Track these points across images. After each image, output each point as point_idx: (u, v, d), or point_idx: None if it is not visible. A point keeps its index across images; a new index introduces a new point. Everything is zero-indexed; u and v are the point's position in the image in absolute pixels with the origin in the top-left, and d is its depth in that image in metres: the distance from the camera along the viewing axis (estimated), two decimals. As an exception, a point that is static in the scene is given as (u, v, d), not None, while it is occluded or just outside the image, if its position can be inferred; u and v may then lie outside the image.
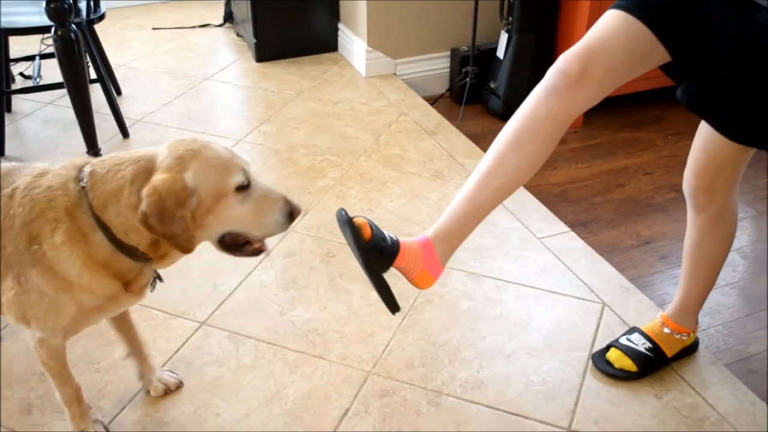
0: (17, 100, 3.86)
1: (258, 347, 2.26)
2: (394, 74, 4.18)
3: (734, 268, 2.78)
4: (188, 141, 1.61)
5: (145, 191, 1.52)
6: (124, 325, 2.05)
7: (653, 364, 2.18)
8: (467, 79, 3.87)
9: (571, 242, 2.80)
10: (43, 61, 3.90)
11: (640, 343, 2.18)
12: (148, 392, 2.14)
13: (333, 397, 2.12)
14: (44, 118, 3.75)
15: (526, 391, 2.14)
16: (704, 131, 1.88)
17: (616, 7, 1.67)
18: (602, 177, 3.39)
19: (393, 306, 1.76)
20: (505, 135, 1.72)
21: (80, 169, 1.63)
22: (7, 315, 1.73)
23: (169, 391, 2.14)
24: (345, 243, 1.78)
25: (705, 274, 2.12)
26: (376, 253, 1.71)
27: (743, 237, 2.98)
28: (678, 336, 2.19)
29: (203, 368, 2.20)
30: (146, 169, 1.57)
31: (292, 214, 1.66)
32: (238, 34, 4.77)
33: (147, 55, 4.54)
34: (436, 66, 4.23)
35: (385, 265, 1.74)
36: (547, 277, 2.60)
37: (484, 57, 3.98)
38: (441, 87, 4.22)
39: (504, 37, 3.86)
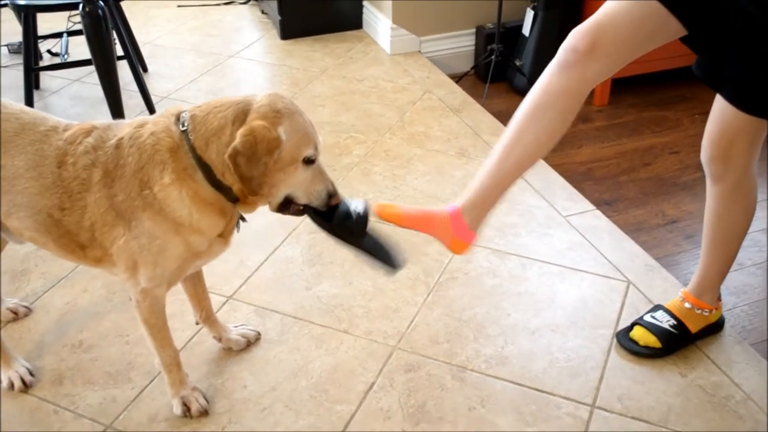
0: (45, 77, 3.89)
1: (284, 322, 2.28)
2: (419, 52, 4.17)
3: (760, 248, 2.77)
4: (286, 100, 1.70)
5: (242, 130, 1.62)
6: (198, 289, 2.11)
7: (678, 341, 2.18)
8: (492, 57, 3.86)
9: (596, 220, 2.80)
10: (70, 39, 3.92)
11: (664, 320, 2.18)
12: (230, 349, 2.20)
13: (358, 372, 2.14)
14: (72, 95, 3.78)
15: (551, 368, 2.16)
16: (719, 101, 1.89)
17: None
18: (628, 156, 3.37)
19: (391, 264, 1.91)
20: (523, 109, 1.81)
21: (178, 116, 1.72)
22: (117, 264, 1.79)
23: (249, 344, 2.22)
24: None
25: (724, 247, 2.12)
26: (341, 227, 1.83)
27: (770, 217, 2.96)
28: (699, 311, 2.18)
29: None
30: (245, 111, 1.66)
31: (332, 197, 1.76)
32: (262, 12, 4.77)
33: (172, 33, 4.56)
34: (461, 43, 4.22)
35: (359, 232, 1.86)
36: (572, 255, 2.60)
37: (510, 34, 3.96)
38: (466, 65, 4.21)
39: (530, 15, 3.84)
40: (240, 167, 1.61)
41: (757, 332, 2.38)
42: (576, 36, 1.72)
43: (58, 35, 3.94)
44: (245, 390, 2.07)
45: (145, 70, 3.98)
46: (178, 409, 2.00)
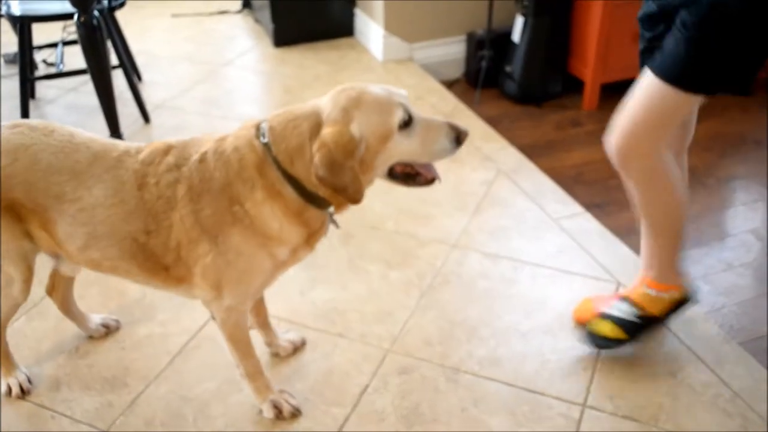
0: (41, 87, 3.92)
1: (279, 326, 2.31)
2: (411, 59, 4.21)
3: (749, 249, 2.80)
4: (348, 89, 1.64)
5: (315, 146, 1.58)
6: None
7: (643, 329, 2.20)
8: (483, 63, 3.89)
9: (587, 223, 2.83)
10: (65, 48, 3.95)
11: (629, 313, 2.18)
12: (277, 354, 2.22)
13: (353, 374, 2.17)
14: (67, 104, 3.81)
15: (543, 369, 2.18)
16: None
17: None
18: (618, 159, 3.40)
19: None
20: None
21: (258, 127, 1.68)
22: (200, 283, 1.78)
23: (296, 349, 2.24)
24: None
25: (656, 227, 2.17)
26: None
27: (757, 218, 2.99)
28: (657, 294, 2.18)
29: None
30: (318, 123, 1.61)
31: (459, 138, 1.68)
32: (256, 20, 4.81)
33: (167, 42, 4.59)
34: (452, 50, 4.25)
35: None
36: (563, 258, 2.63)
37: (500, 41, 3.99)
38: (457, 71, 4.24)
39: (520, 21, 3.88)
40: (326, 180, 1.57)
41: (746, 331, 2.41)
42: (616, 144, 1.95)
43: (54, 45, 3.97)
44: (240, 394, 2.09)
45: (140, 79, 4.01)
46: (269, 413, 2.01)
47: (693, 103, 1.90)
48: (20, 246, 1.85)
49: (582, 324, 2.30)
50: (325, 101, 1.65)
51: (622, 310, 2.19)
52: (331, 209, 1.72)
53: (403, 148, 1.64)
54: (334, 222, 1.78)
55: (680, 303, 2.20)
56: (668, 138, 1.94)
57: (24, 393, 2.11)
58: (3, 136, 1.79)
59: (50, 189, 1.75)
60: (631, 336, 2.18)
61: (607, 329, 2.19)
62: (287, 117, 1.66)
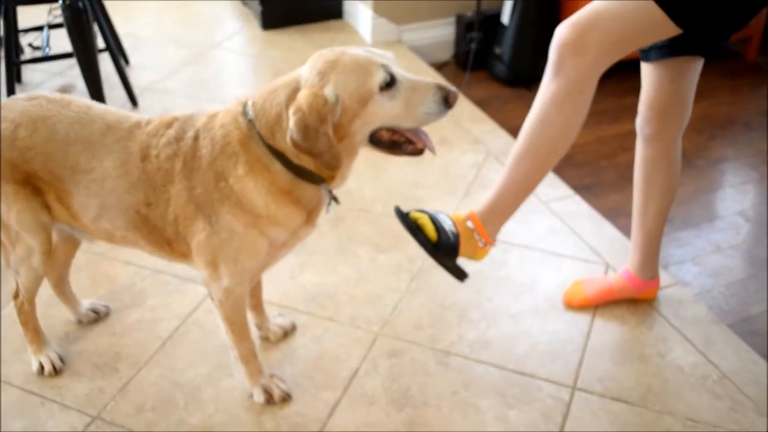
0: (27, 71, 3.88)
1: (269, 310, 2.30)
2: (400, 41, 4.19)
3: (737, 231, 2.82)
4: (326, 53, 1.61)
5: (290, 111, 1.55)
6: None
7: (448, 248, 1.92)
8: (472, 45, 3.88)
9: (576, 205, 2.84)
10: (51, 32, 3.91)
11: (447, 225, 1.94)
12: (267, 338, 2.22)
13: (343, 358, 2.17)
14: (54, 89, 3.78)
15: (532, 351, 2.19)
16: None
17: None
18: (607, 141, 3.41)
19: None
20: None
21: (245, 104, 1.68)
22: (197, 260, 1.79)
23: (286, 334, 2.24)
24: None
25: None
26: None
27: (746, 200, 3.00)
28: (476, 234, 1.95)
29: (216, 331, 2.24)
30: (295, 90, 1.59)
31: (447, 98, 1.59)
32: (243, 3, 4.77)
33: (154, 25, 4.55)
34: (442, 32, 4.23)
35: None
36: (552, 240, 2.64)
37: (489, 23, 3.98)
38: (446, 53, 4.23)
39: (509, 3, 3.86)
40: (301, 146, 1.54)
41: (734, 313, 2.43)
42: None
43: (39, 28, 3.92)
44: (231, 379, 2.10)
45: (127, 62, 3.98)
46: (260, 398, 2.01)
47: (663, 30, 1.71)
48: (38, 217, 1.85)
49: (572, 307, 2.31)
50: (304, 68, 1.63)
51: (446, 221, 1.94)
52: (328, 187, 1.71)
53: (386, 111, 1.57)
54: (334, 198, 1.76)
55: (471, 258, 1.98)
56: (616, 59, 1.77)
57: (56, 371, 2.11)
58: (22, 108, 1.80)
59: (67, 160, 1.77)
60: (437, 244, 1.89)
61: (428, 224, 1.91)
62: (269, 90, 1.66)
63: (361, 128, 1.60)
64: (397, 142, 1.65)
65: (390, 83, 1.56)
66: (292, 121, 1.54)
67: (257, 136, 1.64)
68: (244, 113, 1.67)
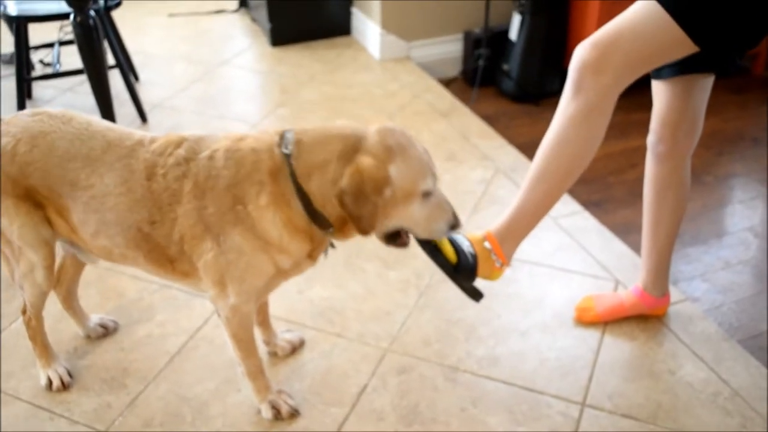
0: (37, 87, 3.91)
1: (277, 325, 2.30)
2: (408, 57, 4.20)
3: (747, 246, 2.80)
4: (398, 133, 1.65)
5: (349, 170, 1.59)
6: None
7: (470, 272, 1.96)
8: (480, 61, 3.89)
9: (585, 221, 2.83)
10: (62, 48, 3.94)
11: (465, 246, 1.96)
12: (275, 354, 2.22)
13: (351, 374, 2.17)
14: (64, 105, 3.79)
15: (541, 367, 2.18)
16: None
17: None
18: (615, 157, 3.41)
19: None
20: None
21: (282, 136, 1.68)
22: (204, 279, 1.79)
23: (294, 349, 2.23)
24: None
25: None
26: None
27: (755, 216, 2.99)
28: (493, 255, 1.98)
29: (224, 346, 2.23)
30: (354, 148, 1.62)
31: (454, 226, 1.73)
32: (252, 19, 4.80)
33: (163, 42, 4.58)
34: (450, 48, 4.25)
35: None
36: (561, 256, 2.63)
37: (497, 39, 3.99)
38: (454, 69, 4.24)
39: (517, 19, 3.88)
40: (347, 206, 1.59)
41: (744, 329, 2.41)
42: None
43: (50, 45, 3.96)
44: (239, 394, 2.09)
45: (137, 78, 4.00)
46: (268, 414, 2.01)
47: (681, 48, 1.72)
48: (40, 232, 1.86)
49: (582, 323, 2.30)
50: (371, 132, 1.65)
51: (464, 243, 1.96)
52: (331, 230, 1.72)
53: (414, 214, 1.67)
54: (331, 244, 1.82)
55: (488, 278, 2.00)
56: (634, 78, 1.80)
57: (65, 386, 2.11)
58: (24, 123, 1.81)
59: (65, 176, 1.78)
60: (457, 266, 1.91)
61: (447, 245, 1.92)
62: (321, 133, 1.67)
63: (393, 218, 1.67)
64: (393, 235, 1.75)
65: (430, 192, 1.66)
66: (346, 181, 1.58)
67: (289, 172, 1.65)
68: (280, 145, 1.67)
